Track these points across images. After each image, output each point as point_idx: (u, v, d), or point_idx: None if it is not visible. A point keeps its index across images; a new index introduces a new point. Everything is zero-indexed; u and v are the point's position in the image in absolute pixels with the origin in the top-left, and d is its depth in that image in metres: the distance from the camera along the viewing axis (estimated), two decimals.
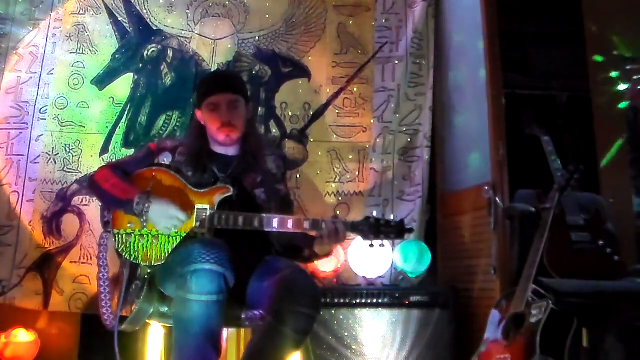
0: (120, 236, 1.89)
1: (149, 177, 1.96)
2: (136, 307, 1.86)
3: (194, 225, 1.87)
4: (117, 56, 3.27)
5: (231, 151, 2.08)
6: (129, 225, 1.89)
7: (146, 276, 1.88)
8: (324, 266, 2.94)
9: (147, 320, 1.93)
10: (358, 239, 2.95)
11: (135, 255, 1.86)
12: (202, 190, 1.93)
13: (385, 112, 3.28)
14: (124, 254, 1.87)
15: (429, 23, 3.34)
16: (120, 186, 1.91)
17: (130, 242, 1.87)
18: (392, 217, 1.88)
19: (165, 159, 2.02)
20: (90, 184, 2.01)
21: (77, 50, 3.27)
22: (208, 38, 3.32)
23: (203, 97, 2.06)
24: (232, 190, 1.93)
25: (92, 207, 3.01)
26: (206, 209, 1.89)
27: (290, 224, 1.86)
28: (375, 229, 1.83)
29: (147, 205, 1.83)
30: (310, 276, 2.16)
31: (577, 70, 3.26)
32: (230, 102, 2.03)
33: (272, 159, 2.16)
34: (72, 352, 3.00)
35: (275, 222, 1.86)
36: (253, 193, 2.04)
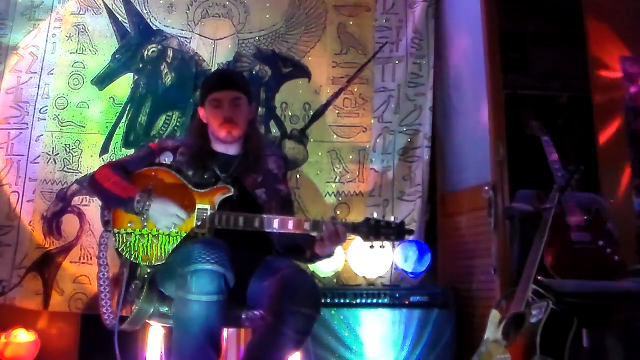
0: (120, 235, 1.88)
1: (149, 176, 1.96)
2: (136, 307, 1.86)
3: (194, 225, 1.87)
4: (117, 56, 3.27)
5: (232, 150, 2.08)
6: (129, 225, 1.88)
7: (146, 276, 1.88)
8: (324, 267, 2.94)
9: (147, 320, 1.93)
10: (358, 239, 2.96)
11: (135, 255, 1.86)
12: (203, 190, 1.93)
13: (385, 112, 3.28)
14: (124, 254, 1.87)
15: (429, 23, 3.34)
16: (121, 184, 1.91)
17: (131, 242, 1.87)
18: (392, 218, 1.88)
19: (166, 158, 2.02)
20: (91, 183, 2.00)
21: (77, 50, 3.27)
22: (208, 38, 3.32)
23: (206, 94, 2.06)
24: (232, 190, 1.93)
25: (92, 207, 3.01)
26: (206, 209, 1.89)
27: (290, 224, 1.86)
28: (375, 230, 1.83)
29: (147, 203, 1.83)
30: (310, 276, 2.17)
31: (577, 70, 3.26)
32: (233, 99, 2.03)
33: (273, 159, 2.16)
34: (72, 352, 3.00)
35: (275, 223, 1.87)
36: (254, 193, 2.04)
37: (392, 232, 1.84)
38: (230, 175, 2.02)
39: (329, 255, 1.97)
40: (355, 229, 1.85)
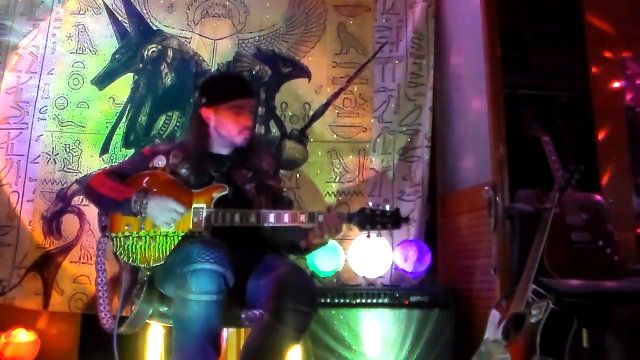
0: (118, 239, 1.88)
1: (144, 178, 1.97)
2: (136, 307, 1.86)
3: (191, 224, 1.87)
4: (117, 56, 3.27)
5: (226, 150, 2.09)
6: (126, 228, 1.88)
7: (145, 278, 1.88)
8: (324, 266, 2.94)
9: (147, 321, 1.93)
10: (357, 239, 2.96)
11: (133, 258, 1.86)
12: (198, 190, 1.93)
13: (385, 112, 3.28)
14: (122, 257, 1.87)
15: (429, 23, 3.34)
16: (117, 188, 1.91)
17: (128, 245, 1.87)
18: (387, 207, 1.87)
19: (160, 162, 2.02)
20: (87, 191, 2.01)
21: (77, 50, 3.27)
22: (208, 38, 3.32)
23: (226, 98, 2.03)
24: (227, 188, 1.93)
25: (92, 207, 2.93)
26: (203, 208, 1.89)
27: (286, 218, 1.86)
28: (371, 219, 1.83)
29: (144, 201, 1.84)
30: (307, 274, 2.17)
31: (577, 70, 3.26)
32: (253, 107, 2.10)
33: (264, 156, 2.17)
34: (72, 352, 3.00)
35: (271, 217, 1.87)
36: (244, 188, 2.04)
37: (389, 220, 1.83)
38: (223, 174, 2.03)
39: (324, 244, 1.97)
40: (351, 218, 1.85)
